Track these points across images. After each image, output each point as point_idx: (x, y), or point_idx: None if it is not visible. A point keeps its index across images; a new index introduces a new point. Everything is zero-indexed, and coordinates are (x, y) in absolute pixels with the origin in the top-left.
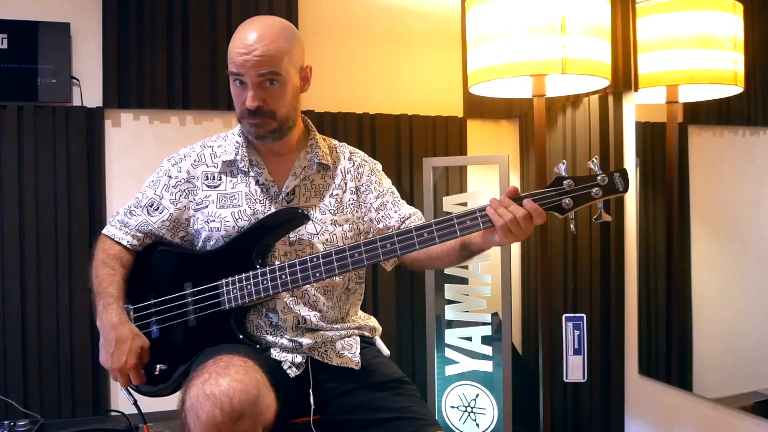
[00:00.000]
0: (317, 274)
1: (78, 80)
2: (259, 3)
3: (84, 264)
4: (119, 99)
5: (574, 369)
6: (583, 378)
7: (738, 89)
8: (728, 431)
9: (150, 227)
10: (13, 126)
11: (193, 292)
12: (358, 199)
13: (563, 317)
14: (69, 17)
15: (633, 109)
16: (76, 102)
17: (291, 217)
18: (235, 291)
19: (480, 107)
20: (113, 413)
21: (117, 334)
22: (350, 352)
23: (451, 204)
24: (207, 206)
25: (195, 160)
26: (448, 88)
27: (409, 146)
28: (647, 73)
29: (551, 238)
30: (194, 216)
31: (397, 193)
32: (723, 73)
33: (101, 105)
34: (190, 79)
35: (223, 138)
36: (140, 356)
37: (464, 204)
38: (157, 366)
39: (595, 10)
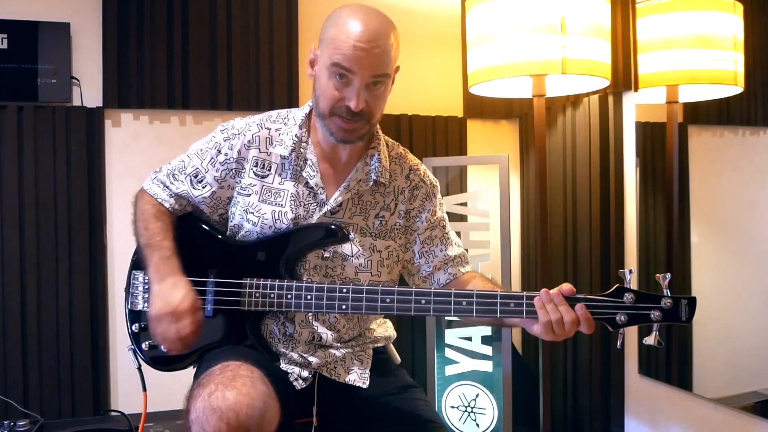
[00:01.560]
0: (343, 306)
1: (78, 80)
2: (259, 3)
3: (84, 264)
4: (119, 99)
5: None
6: None
7: (738, 89)
8: (728, 431)
9: (190, 199)
10: (13, 126)
11: (214, 283)
12: (406, 224)
13: None
14: (69, 17)
15: (633, 109)
16: (76, 102)
17: (330, 235)
18: (257, 295)
19: (480, 107)
20: (113, 413)
21: (184, 301)
22: (360, 368)
23: (451, 204)
24: (249, 195)
25: (249, 141)
26: (448, 88)
27: (409, 146)
28: (647, 73)
29: (551, 238)
30: (235, 198)
31: (448, 227)
32: (723, 73)
33: (101, 105)
34: (190, 79)
35: (283, 121)
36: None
37: (464, 204)
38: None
39: (595, 10)
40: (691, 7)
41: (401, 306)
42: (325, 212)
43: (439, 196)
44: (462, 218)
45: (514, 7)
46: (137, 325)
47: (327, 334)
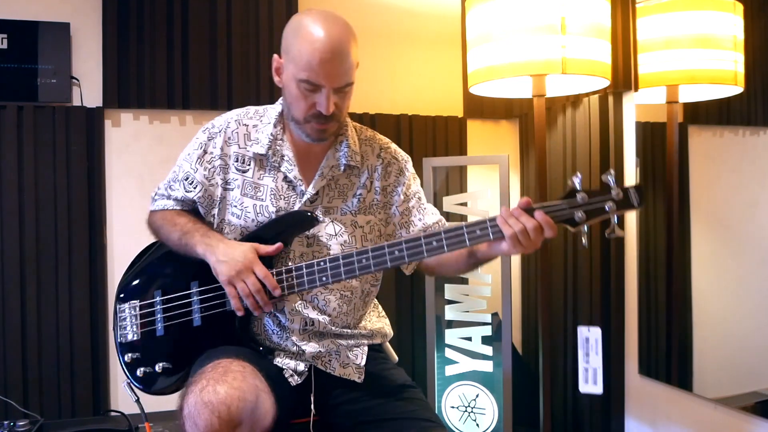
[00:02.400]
0: (324, 278)
1: (78, 80)
2: (259, 3)
3: (84, 263)
4: (119, 99)
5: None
6: (600, 391)
7: (738, 89)
8: (728, 431)
9: (191, 201)
10: (13, 126)
11: (198, 292)
12: (384, 199)
13: (578, 328)
14: (69, 17)
15: (633, 109)
16: (76, 102)
17: (299, 220)
18: None
19: (480, 107)
20: (113, 413)
21: (248, 252)
22: (354, 363)
23: (451, 204)
24: (233, 189)
25: (229, 138)
26: (448, 88)
27: (409, 146)
28: (647, 73)
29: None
30: (221, 194)
31: (423, 198)
32: (723, 73)
33: (101, 105)
34: (190, 79)
35: (258, 117)
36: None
37: (464, 204)
38: (160, 364)
39: (595, 10)
40: (691, 7)
41: (377, 261)
42: (305, 202)
43: (412, 170)
44: (462, 218)
45: (514, 7)
46: (129, 355)
47: (319, 318)
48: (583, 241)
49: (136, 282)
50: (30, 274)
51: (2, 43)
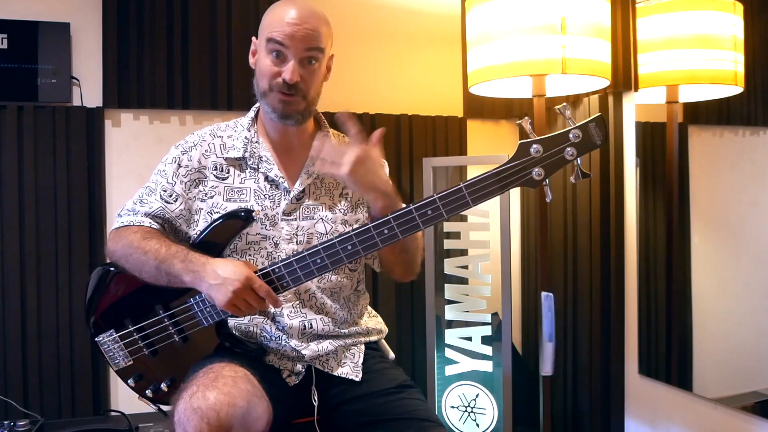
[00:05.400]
0: (284, 284)
1: (78, 80)
2: (259, 3)
3: (84, 264)
4: (119, 99)
5: (547, 359)
6: (551, 371)
7: (738, 89)
8: (728, 431)
9: (167, 216)
10: (13, 126)
11: (168, 316)
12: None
13: (542, 294)
14: (69, 17)
15: (633, 109)
16: (76, 102)
17: (234, 217)
18: (208, 308)
19: (480, 107)
20: (113, 413)
21: (240, 269)
22: (352, 362)
23: None
24: (213, 197)
25: (206, 150)
26: (448, 88)
27: (409, 146)
28: (647, 73)
29: (551, 238)
30: (199, 206)
31: None
32: (723, 73)
33: (101, 105)
34: (190, 79)
35: (232, 128)
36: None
37: None
38: (163, 383)
39: (595, 10)
40: (691, 7)
41: (333, 260)
42: (291, 199)
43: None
44: (462, 218)
45: (514, 7)
46: (132, 379)
47: (317, 320)
48: (548, 197)
49: (101, 314)
50: (30, 273)
51: (2, 43)
